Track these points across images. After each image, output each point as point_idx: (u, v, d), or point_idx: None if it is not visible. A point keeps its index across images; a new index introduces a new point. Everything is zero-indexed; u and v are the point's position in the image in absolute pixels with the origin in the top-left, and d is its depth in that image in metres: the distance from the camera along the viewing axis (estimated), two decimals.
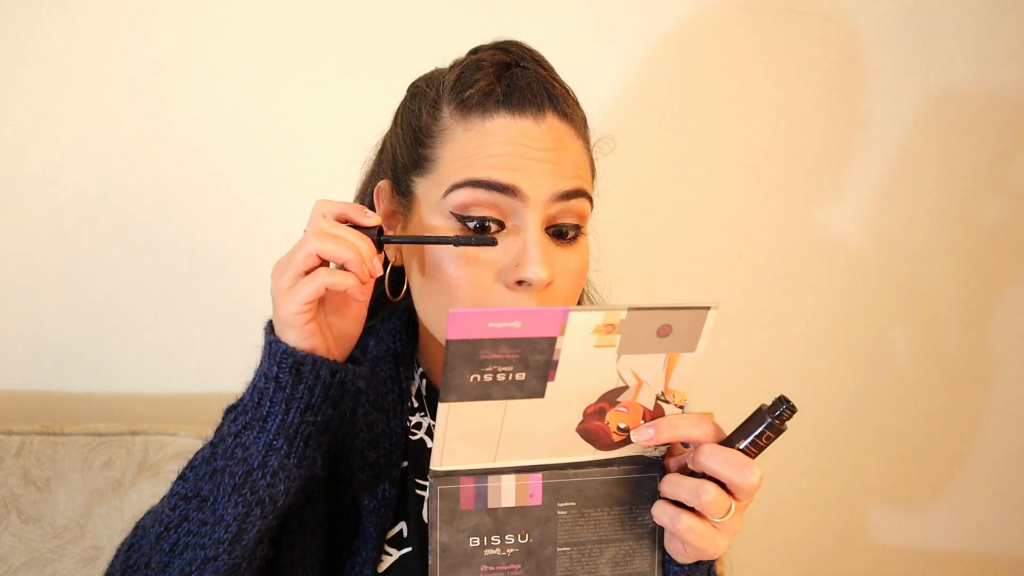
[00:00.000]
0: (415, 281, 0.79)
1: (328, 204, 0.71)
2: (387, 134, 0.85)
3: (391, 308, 0.88)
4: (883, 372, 1.40)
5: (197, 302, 1.23)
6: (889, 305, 1.39)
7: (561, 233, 0.75)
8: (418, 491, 0.82)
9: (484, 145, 0.73)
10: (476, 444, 0.66)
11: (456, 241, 0.72)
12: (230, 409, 0.70)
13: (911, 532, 1.46)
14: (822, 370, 1.39)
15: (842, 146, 1.33)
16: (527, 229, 0.72)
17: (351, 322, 0.72)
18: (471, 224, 0.73)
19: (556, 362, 0.63)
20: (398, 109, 0.84)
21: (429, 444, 0.84)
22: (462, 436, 0.65)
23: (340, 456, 0.80)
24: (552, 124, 0.75)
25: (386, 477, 0.79)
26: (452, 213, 0.73)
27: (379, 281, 0.84)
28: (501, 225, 0.73)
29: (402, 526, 0.80)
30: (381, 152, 0.86)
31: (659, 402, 0.69)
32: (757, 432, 0.68)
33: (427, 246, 0.75)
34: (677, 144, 1.30)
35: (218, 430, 0.71)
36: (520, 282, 0.72)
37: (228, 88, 1.20)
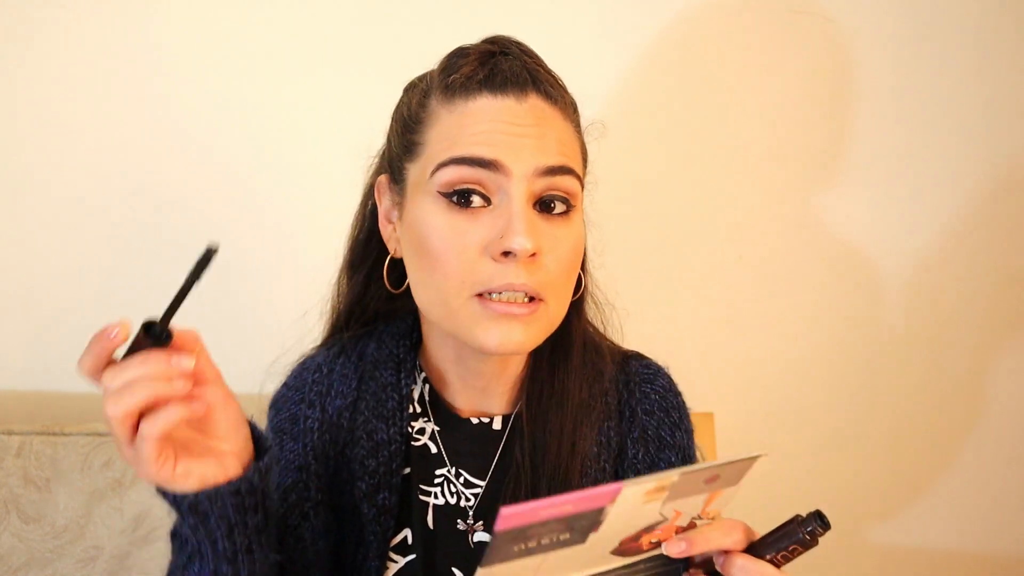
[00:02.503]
0: (412, 267, 0.78)
1: (81, 362, 0.62)
2: (387, 132, 0.86)
3: (394, 311, 0.88)
4: (882, 372, 1.41)
5: (197, 302, 1.22)
6: (889, 305, 1.39)
7: (548, 206, 0.75)
8: (422, 497, 0.81)
9: (467, 124, 0.74)
10: None
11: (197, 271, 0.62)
12: (173, 537, 0.69)
13: (910, 532, 1.46)
14: (821, 370, 1.40)
15: (842, 146, 1.33)
16: (512, 201, 0.72)
17: (221, 415, 0.65)
18: (455, 199, 0.73)
19: (602, 522, 0.62)
20: (395, 107, 0.84)
21: (433, 450, 0.83)
22: None
23: (341, 467, 0.80)
24: (535, 103, 0.75)
25: (386, 485, 0.79)
26: (439, 192, 0.74)
27: (380, 278, 0.83)
28: (487, 200, 0.73)
29: (406, 533, 0.80)
30: (383, 152, 0.87)
31: (693, 520, 0.68)
32: (787, 546, 0.67)
33: (418, 227, 0.75)
34: (678, 144, 1.31)
35: (172, 555, 0.69)
36: (506, 253, 0.72)
37: (230, 90, 1.19)
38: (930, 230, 1.37)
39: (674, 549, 0.68)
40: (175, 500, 0.64)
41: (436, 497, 0.82)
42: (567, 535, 0.61)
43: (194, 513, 0.64)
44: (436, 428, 0.84)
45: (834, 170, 1.34)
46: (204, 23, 1.18)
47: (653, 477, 0.59)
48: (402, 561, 0.79)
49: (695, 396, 0.97)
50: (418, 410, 0.85)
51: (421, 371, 0.86)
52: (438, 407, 0.85)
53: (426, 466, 0.82)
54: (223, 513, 0.65)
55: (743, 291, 1.36)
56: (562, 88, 0.79)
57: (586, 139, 0.83)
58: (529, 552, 0.61)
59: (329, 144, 1.20)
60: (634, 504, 0.61)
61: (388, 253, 0.82)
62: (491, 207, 0.73)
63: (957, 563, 1.47)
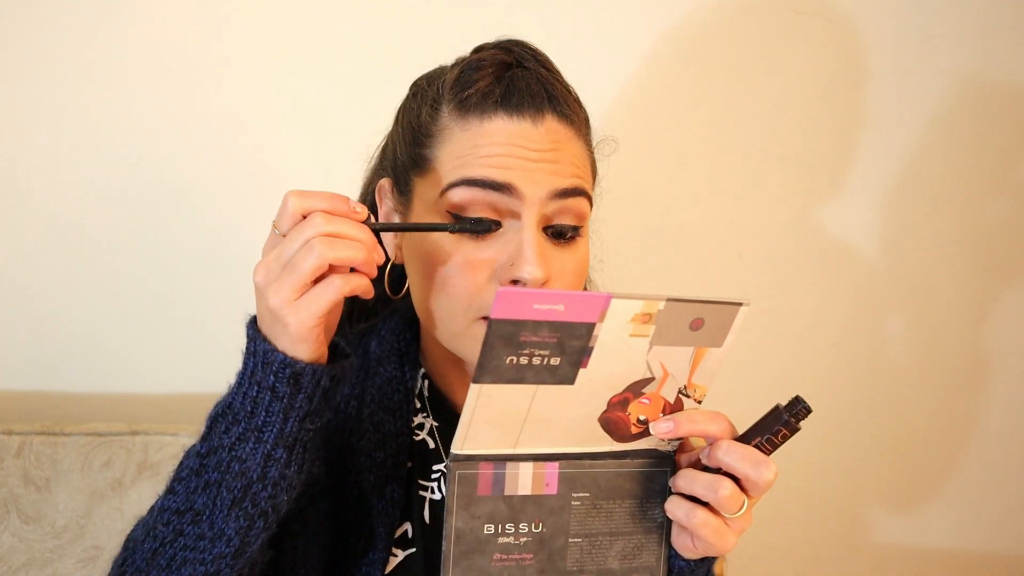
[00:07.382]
0: (414, 280, 0.78)
1: (307, 199, 0.65)
2: (389, 132, 0.85)
3: (392, 307, 0.88)
4: (883, 372, 1.41)
5: (198, 302, 1.23)
6: (889, 305, 1.39)
7: (559, 233, 0.75)
8: (421, 492, 0.82)
9: (481, 145, 0.73)
10: (500, 428, 0.65)
11: (453, 228, 0.72)
12: (218, 418, 0.67)
13: (910, 532, 1.46)
14: (822, 370, 1.40)
15: (843, 146, 1.34)
16: (523, 228, 0.72)
17: (335, 314, 0.70)
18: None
19: (591, 349, 0.63)
20: (400, 107, 0.84)
21: (431, 445, 0.83)
22: (488, 419, 0.64)
23: (346, 456, 0.80)
24: (551, 126, 0.75)
25: (393, 477, 0.79)
26: (449, 212, 0.73)
27: (379, 280, 0.84)
28: (498, 225, 0.73)
29: (407, 527, 0.80)
30: (384, 150, 0.87)
31: (680, 396, 0.69)
32: (773, 430, 0.68)
33: (426, 246, 0.75)
34: (678, 144, 1.31)
35: (205, 440, 0.67)
36: (515, 281, 0.72)
37: (230, 88, 1.19)
38: (931, 229, 1.38)
39: (661, 428, 0.69)
40: (282, 362, 0.63)
41: (433, 492, 0.82)
42: (557, 360, 0.62)
43: (291, 382, 0.64)
44: (435, 424, 0.84)
45: (834, 170, 1.34)
46: (206, 21, 1.18)
47: (641, 296, 0.62)
48: (402, 555, 0.79)
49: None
50: (417, 405, 0.85)
51: (420, 366, 0.86)
52: (437, 403, 0.85)
53: (424, 461, 0.83)
54: (311, 394, 0.65)
55: (743, 291, 1.35)
56: (577, 104, 0.79)
57: (597, 155, 0.83)
58: (520, 374, 0.62)
59: (332, 142, 1.19)
60: (621, 334, 0.63)
61: (384, 254, 0.82)
62: (501, 231, 0.73)
63: (958, 563, 1.47)
